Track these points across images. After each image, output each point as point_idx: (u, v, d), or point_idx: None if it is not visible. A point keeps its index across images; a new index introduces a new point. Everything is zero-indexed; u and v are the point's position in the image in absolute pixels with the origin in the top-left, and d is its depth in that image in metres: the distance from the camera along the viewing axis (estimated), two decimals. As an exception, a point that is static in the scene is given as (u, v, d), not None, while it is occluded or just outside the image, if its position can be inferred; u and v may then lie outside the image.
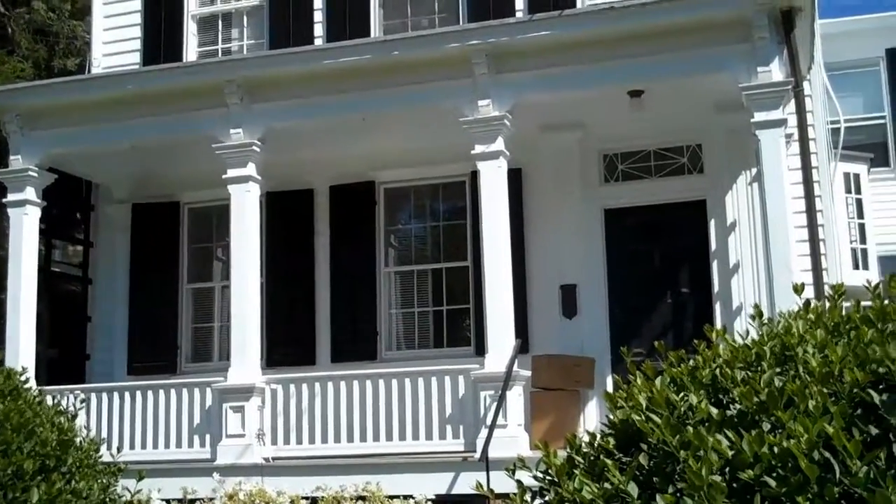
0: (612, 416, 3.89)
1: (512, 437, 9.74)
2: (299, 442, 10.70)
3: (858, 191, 12.81)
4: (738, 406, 3.48)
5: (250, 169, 11.10)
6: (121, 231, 13.77)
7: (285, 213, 13.02)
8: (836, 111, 12.70)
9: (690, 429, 3.32)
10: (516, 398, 10.10)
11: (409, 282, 12.85)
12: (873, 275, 12.90)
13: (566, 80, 10.43)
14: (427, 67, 10.64)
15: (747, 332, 4.31)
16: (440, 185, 12.85)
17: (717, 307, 11.50)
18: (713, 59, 9.97)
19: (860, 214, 12.86)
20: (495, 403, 9.76)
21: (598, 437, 3.85)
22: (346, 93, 10.90)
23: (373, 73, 10.79)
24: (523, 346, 10.75)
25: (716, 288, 11.57)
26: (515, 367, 10.00)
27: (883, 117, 15.53)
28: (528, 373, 10.60)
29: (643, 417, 3.60)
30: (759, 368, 3.71)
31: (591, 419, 11.42)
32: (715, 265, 11.60)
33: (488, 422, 9.72)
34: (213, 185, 11.63)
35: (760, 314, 4.40)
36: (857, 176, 12.74)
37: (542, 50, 10.39)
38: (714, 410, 3.43)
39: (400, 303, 12.82)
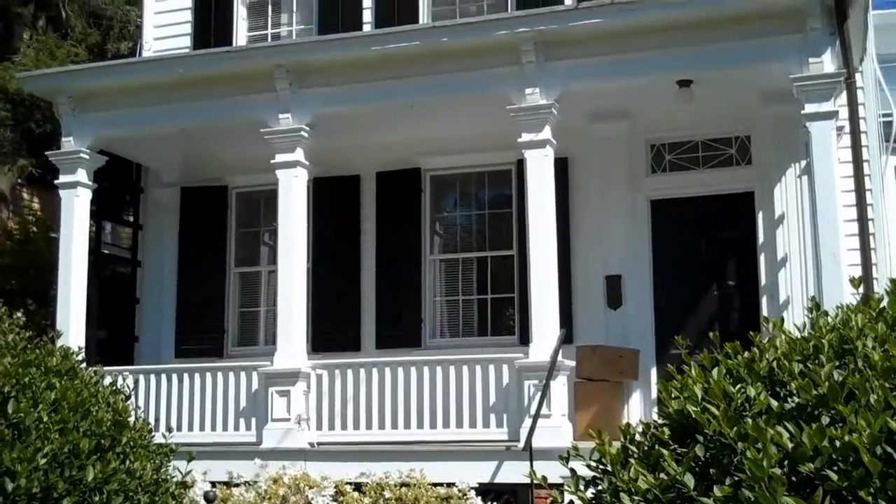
0: (666, 407, 3.87)
1: (556, 427, 9.72)
2: (344, 427, 10.72)
3: (912, 187, 12.65)
4: (796, 399, 3.46)
5: (298, 154, 11.13)
6: (169, 214, 13.89)
7: (332, 199, 13.07)
8: (888, 104, 12.54)
9: (749, 420, 3.30)
10: (560, 388, 10.07)
11: (453, 269, 12.87)
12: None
13: (614, 69, 10.36)
14: (475, 55, 10.60)
15: (804, 325, 4.27)
16: (486, 173, 12.83)
17: (764, 300, 11.42)
18: (764, 49, 9.86)
19: (914, 212, 12.69)
20: (539, 393, 9.74)
21: (653, 427, 3.83)
22: (394, 79, 10.89)
23: (421, 59, 10.77)
24: (567, 336, 10.69)
25: (762, 281, 11.50)
26: (560, 357, 9.96)
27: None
28: (573, 363, 10.59)
29: (699, 408, 3.58)
30: (816, 361, 3.68)
31: (635, 411, 11.41)
32: (762, 258, 11.53)
33: (532, 411, 9.71)
34: (261, 170, 11.67)
35: (818, 307, 4.36)
36: (910, 172, 12.59)
37: (591, 38, 10.33)
38: (773, 403, 3.41)
39: (444, 290, 12.83)
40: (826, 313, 4.28)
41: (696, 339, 11.43)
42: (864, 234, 9.71)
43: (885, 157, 12.36)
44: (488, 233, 12.81)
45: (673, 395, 3.87)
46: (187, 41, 14.24)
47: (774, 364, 3.76)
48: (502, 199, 12.75)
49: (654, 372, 11.58)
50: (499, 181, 12.76)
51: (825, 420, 3.26)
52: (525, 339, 10.83)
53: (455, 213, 13.14)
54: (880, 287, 10.24)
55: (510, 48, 10.40)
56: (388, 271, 12.86)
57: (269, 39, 13.97)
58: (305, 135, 11.11)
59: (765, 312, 11.22)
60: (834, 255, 9.34)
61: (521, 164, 11.02)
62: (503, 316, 12.59)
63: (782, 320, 4.25)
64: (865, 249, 9.71)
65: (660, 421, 3.85)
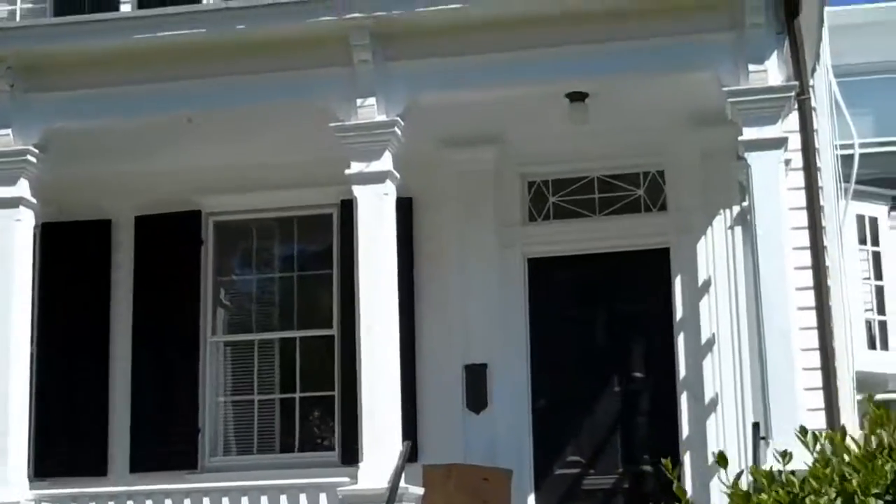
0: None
1: (400, 590, 9.61)
2: (83, 591, 10.46)
3: (875, 241, 12.77)
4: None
5: (22, 188, 10.80)
6: None
7: (70, 253, 12.82)
8: (847, 131, 12.76)
9: None
10: (406, 526, 9.94)
11: (246, 357, 12.78)
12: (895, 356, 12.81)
13: (480, 75, 10.40)
14: (285, 49, 10.51)
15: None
16: (296, 220, 12.85)
17: (683, 399, 11.58)
18: (687, 52, 10.03)
19: (878, 273, 12.79)
20: (372, 536, 9.59)
21: None
22: (165, 82, 10.69)
23: (206, 54, 10.63)
24: (411, 450, 10.52)
25: (681, 372, 11.64)
26: (402, 483, 9.75)
27: (901, 142, 15.62)
28: (420, 490, 10.44)
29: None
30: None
31: (506, 560, 11.37)
32: (681, 340, 11.68)
33: (362, 564, 9.60)
34: (-39, 211, 11.29)
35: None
36: (873, 220, 12.69)
37: (449, 30, 10.32)
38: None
39: (232, 387, 12.75)
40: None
41: (591, 452, 11.55)
42: (822, 308, 9.73)
43: (843, 203, 12.54)
44: (298, 304, 12.79)
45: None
46: None
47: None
48: (319, 256, 12.80)
49: (532, 501, 11.58)
50: (315, 231, 12.83)
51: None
52: (351, 457, 10.86)
53: (250, 276, 13.10)
54: (842, 382, 10.31)
55: (337, 41, 10.29)
56: (150, 359, 12.70)
57: (-17, 22, 13.72)
58: (33, 159, 10.80)
59: (685, 415, 11.44)
60: (783, 336, 9.34)
61: (347, 206, 11.05)
62: (319, 424, 12.64)
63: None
64: (823, 329, 9.73)
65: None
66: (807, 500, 3.61)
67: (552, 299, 12.03)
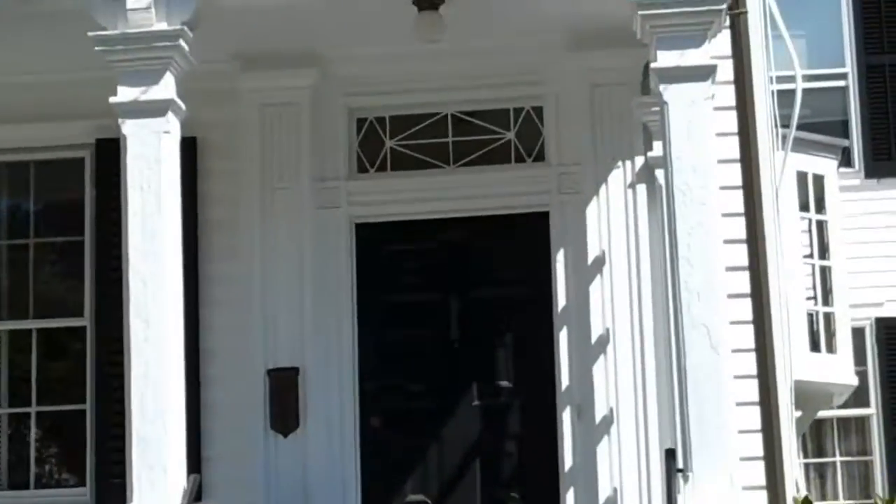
0: None
1: None
2: None
3: (821, 207, 12.63)
4: None
5: None
6: None
7: None
8: (788, 59, 12.78)
9: None
10: None
11: None
12: (845, 360, 12.70)
13: None
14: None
15: None
16: (31, 165, 12.78)
17: (566, 417, 11.63)
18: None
19: (823, 250, 12.65)
20: None
21: None
22: None
23: None
24: (196, 490, 10.23)
25: (564, 381, 11.70)
26: None
27: (843, 76, 15.61)
28: None
29: None
30: None
31: None
32: (563, 337, 11.76)
33: None
34: None
35: None
36: (819, 179, 12.53)
37: None
38: None
39: None
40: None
41: (440, 488, 11.85)
42: (759, 296, 9.91)
43: (783, 155, 12.58)
44: (35, 283, 12.77)
45: None
46: None
47: None
48: (65, 216, 12.77)
49: (359, 559, 11.70)
50: (59, 181, 12.77)
51: None
52: (108, 496, 11.15)
53: (-35, 242, 12.93)
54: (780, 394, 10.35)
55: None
56: None
57: None
58: None
59: (568, 441, 11.49)
60: (708, 330, 9.21)
61: (106, 147, 11.38)
62: (64, 449, 12.66)
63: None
64: (762, 323, 9.81)
65: None
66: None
67: (389, 281, 12.18)
